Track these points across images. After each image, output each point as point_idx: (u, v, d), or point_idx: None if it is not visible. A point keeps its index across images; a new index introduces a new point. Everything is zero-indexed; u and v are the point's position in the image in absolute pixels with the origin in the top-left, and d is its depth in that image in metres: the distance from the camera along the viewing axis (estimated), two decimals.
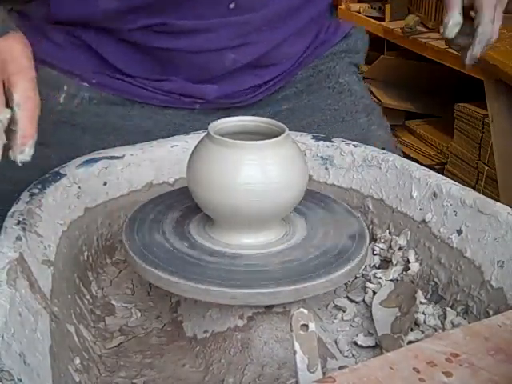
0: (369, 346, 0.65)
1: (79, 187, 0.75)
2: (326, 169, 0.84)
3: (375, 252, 0.78)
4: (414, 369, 0.44)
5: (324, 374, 0.48)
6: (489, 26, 0.80)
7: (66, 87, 0.89)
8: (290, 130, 0.67)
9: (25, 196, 0.69)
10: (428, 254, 0.72)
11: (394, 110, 2.54)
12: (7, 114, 0.59)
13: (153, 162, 0.83)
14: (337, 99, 0.99)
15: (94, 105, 0.90)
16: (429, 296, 0.71)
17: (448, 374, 0.43)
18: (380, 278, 0.73)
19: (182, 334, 0.67)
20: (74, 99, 0.89)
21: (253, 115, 0.75)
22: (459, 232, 0.69)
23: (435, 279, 0.71)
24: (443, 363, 0.44)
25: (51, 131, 0.85)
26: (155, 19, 0.84)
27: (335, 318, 0.70)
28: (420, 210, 0.74)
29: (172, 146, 0.84)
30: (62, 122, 0.88)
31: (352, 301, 0.73)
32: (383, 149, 0.84)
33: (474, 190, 0.71)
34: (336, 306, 0.72)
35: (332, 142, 0.85)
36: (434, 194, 0.73)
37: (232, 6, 0.84)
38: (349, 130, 0.95)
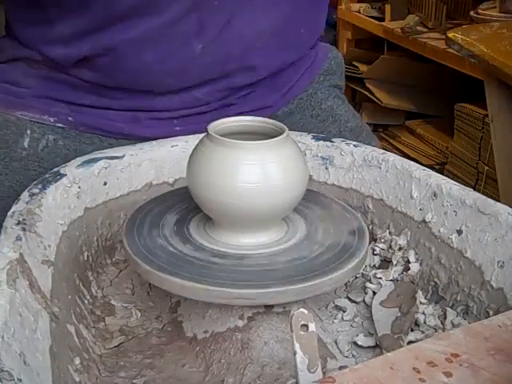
0: (369, 347, 0.65)
1: (79, 187, 0.75)
2: (326, 169, 0.84)
3: (375, 252, 0.78)
4: (414, 369, 0.44)
5: (324, 374, 0.48)
6: None
7: (29, 131, 0.85)
8: None
9: (25, 196, 0.69)
10: (428, 254, 0.72)
11: (394, 110, 2.55)
12: None
13: (153, 162, 0.83)
14: (321, 128, 0.96)
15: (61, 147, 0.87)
16: (429, 296, 0.71)
17: (448, 374, 0.43)
18: (380, 278, 0.73)
19: (181, 334, 0.67)
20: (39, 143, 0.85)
21: None
22: (459, 232, 0.69)
23: (435, 279, 0.71)
24: (443, 363, 0.44)
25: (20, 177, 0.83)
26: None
27: (335, 318, 0.70)
28: (420, 210, 0.74)
29: (172, 146, 0.84)
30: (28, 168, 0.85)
31: (352, 301, 0.73)
32: None
33: (474, 190, 0.71)
34: (336, 307, 0.72)
35: (332, 141, 0.85)
36: (434, 194, 0.73)
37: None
38: None
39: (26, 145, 0.84)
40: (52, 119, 0.87)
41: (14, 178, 0.83)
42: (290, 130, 0.71)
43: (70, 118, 0.87)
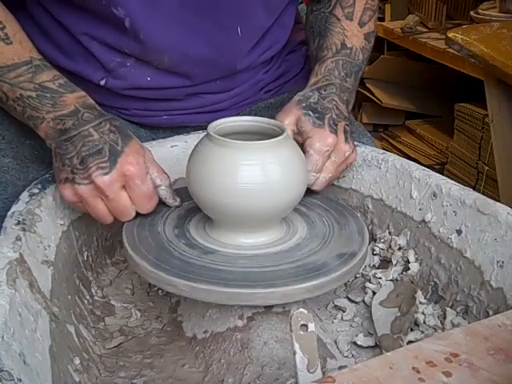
0: (368, 346, 0.65)
1: None
2: None
3: (375, 252, 0.78)
4: (413, 369, 0.44)
5: (324, 374, 0.48)
6: (309, 174, 0.72)
7: None
8: None
9: (24, 196, 0.69)
10: (428, 254, 0.72)
11: (394, 110, 2.54)
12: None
13: None
14: None
15: None
16: (428, 296, 0.71)
17: (447, 374, 0.43)
18: (380, 278, 0.73)
19: (181, 334, 0.67)
20: None
21: None
22: (459, 232, 0.69)
23: (435, 279, 0.71)
24: (443, 363, 0.44)
25: None
26: None
27: (335, 318, 0.70)
28: (420, 210, 0.74)
29: (172, 146, 0.84)
30: None
31: (352, 301, 0.73)
32: None
33: (474, 190, 0.71)
34: (336, 306, 0.72)
35: None
36: (434, 194, 0.73)
37: None
38: None
39: None
40: None
41: None
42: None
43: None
